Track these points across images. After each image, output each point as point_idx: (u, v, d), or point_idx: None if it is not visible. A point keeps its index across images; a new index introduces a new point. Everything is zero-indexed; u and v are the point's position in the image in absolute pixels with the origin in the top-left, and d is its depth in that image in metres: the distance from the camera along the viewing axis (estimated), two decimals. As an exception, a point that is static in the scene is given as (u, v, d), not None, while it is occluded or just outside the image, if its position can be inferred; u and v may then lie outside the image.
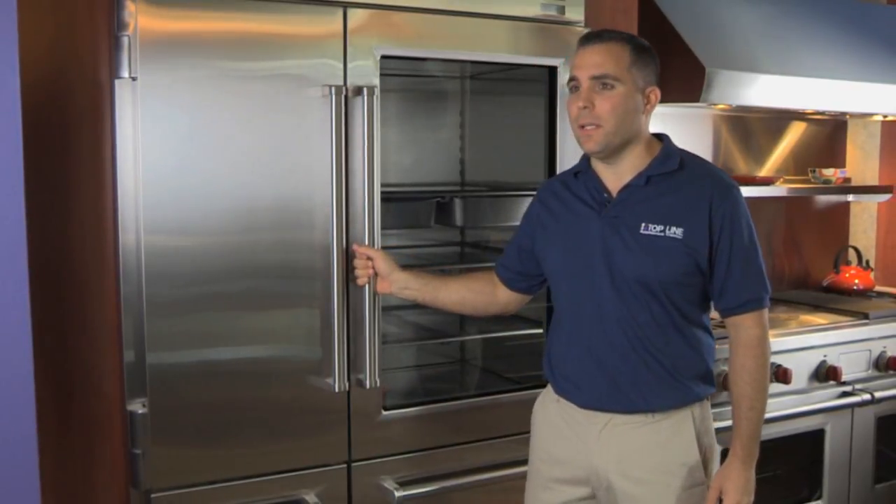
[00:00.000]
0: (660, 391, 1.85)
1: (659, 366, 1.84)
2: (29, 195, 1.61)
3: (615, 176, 1.88)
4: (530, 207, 2.07)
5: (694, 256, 1.82)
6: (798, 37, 3.04)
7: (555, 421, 1.96)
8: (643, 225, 1.83)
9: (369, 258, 2.06)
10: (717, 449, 1.93)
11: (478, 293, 2.12)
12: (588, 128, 1.82)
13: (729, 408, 2.64)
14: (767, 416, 2.68)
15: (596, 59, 1.81)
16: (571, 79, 1.85)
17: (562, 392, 1.95)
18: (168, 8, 1.85)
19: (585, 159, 1.94)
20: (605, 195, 1.89)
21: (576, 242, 1.90)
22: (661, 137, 1.93)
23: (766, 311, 1.88)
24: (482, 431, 2.29)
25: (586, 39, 1.86)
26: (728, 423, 2.60)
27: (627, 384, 1.85)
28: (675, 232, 1.81)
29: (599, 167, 1.90)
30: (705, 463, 1.88)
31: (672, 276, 1.82)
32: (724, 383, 2.66)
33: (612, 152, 1.85)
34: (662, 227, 1.82)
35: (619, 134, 1.82)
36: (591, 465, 1.89)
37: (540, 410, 2.03)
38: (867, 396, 2.89)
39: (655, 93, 1.86)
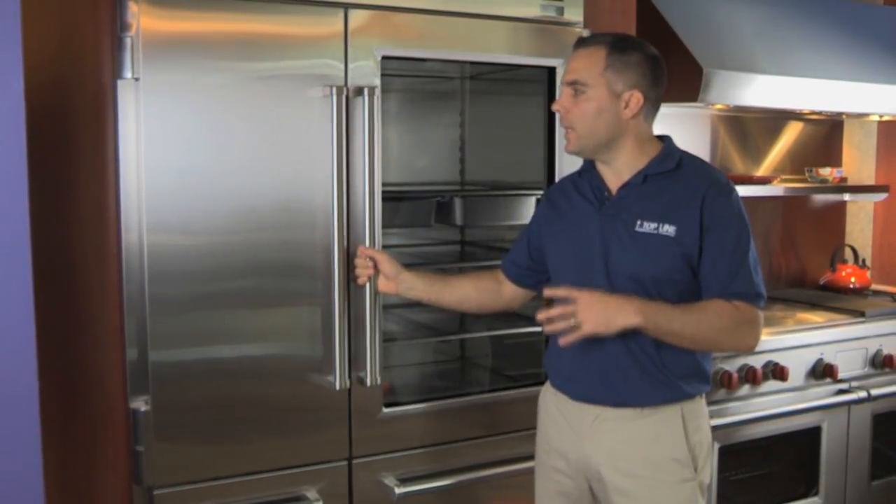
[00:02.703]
0: (649, 387, 1.86)
1: (649, 362, 1.85)
2: (32, 195, 1.62)
3: (615, 175, 1.92)
4: (539, 206, 2.11)
5: (686, 254, 1.84)
6: (795, 37, 3.05)
7: (552, 412, 2.00)
8: (638, 222, 1.86)
9: (371, 258, 2.08)
10: (709, 446, 1.94)
11: (483, 290, 2.15)
12: (566, 130, 1.89)
13: (730, 405, 2.69)
14: (764, 413, 2.73)
15: (573, 65, 1.88)
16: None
17: (556, 384, 2.00)
18: (170, 9, 1.86)
19: (590, 160, 1.97)
20: (606, 193, 1.93)
21: (576, 238, 1.94)
22: (663, 139, 1.95)
23: (757, 310, 1.84)
24: (482, 428, 2.30)
25: (575, 45, 1.92)
26: (728, 419, 2.66)
27: (617, 379, 1.87)
28: (668, 230, 1.83)
29: (601, 167, 1.94)
30: (695, 459, 1.89)
31: (664, 272, 1.85)
32: (722, 381, 2.69)
33: (592, 153, 1.90)
34: (656, 225, 1.84)
35: (591, 137, 1.86)
36: (583, 455, 1.92)
37: (542, 402, 2.07)
38: (863, 394, 2.91)
39: (636, 96, 1.84)
